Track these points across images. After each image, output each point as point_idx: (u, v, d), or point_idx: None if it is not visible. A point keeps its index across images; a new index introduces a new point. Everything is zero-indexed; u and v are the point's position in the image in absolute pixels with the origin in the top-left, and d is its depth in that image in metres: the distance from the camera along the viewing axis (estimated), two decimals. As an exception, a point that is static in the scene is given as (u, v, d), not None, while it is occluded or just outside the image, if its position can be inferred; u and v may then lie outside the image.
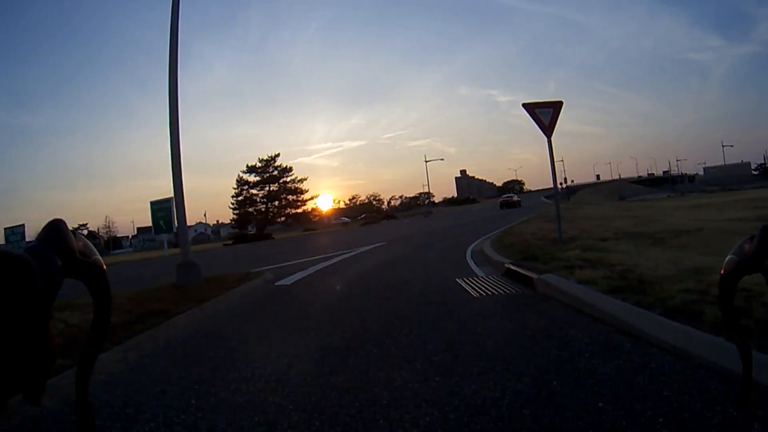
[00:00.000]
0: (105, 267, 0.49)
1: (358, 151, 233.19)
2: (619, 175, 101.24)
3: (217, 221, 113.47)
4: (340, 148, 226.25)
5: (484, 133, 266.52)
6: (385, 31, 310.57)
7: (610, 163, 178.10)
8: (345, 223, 72.69)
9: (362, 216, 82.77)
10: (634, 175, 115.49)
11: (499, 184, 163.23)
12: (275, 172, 57.26)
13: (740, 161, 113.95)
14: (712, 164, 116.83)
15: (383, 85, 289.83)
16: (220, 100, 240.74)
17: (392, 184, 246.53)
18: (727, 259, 0.57)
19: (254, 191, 58.17)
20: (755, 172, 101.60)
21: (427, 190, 63.19)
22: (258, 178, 57.70)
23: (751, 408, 1.20)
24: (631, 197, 54.24)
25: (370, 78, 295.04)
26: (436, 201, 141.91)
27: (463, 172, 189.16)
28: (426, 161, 57.66)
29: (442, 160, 68.62)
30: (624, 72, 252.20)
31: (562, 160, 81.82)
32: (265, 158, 57.31)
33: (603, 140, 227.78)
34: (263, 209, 57.52)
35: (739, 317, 0.65)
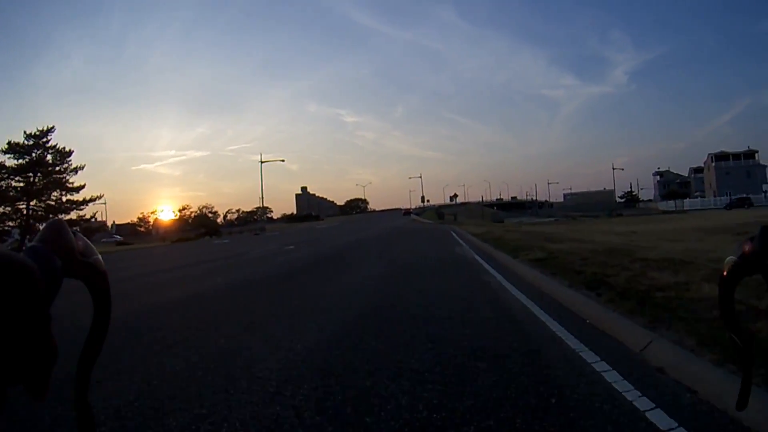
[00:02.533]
0: (105, 267, 0.48)
1: (201, 162, 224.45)
2: (482, 198, 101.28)
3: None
4: (183, 157, 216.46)
5: (328, 151, 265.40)
6: (241, 40, 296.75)
7: (464, 185, 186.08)
8: (118, 243, 56.29)
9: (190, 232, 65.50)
10: (485, 198, 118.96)
11: (340, 202, 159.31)
12: (47, 157, 39.66)
13: (603, 189, 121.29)
14: (568, 191, 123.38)
15: (233, 96, 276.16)
16: (71, 94, 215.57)
17: (232, 197, 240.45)
18: (727, 259, 0.56)
19: (14, 181, 39.48)
20: (620, 200, 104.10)
21: (262, 205, 51.77)
22: (21, 162, 39.29)
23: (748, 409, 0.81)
24: (510, 219, 49.89)
25: (220, 87, 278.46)
26: (274, 217, 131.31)
27: (303, 188, 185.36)
28: (261, 162, 46.81)
29: (283, 161, 57.40)
30: (474, 102, 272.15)
31: (420, 176, 79.00)
32: (34, 132, 39.44)
33: (448, 165, 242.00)
34: (23, 210, 39.19)
35: (740, 318, 0.57)
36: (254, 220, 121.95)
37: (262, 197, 47.65)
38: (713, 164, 74.27)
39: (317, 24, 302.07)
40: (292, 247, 19.68)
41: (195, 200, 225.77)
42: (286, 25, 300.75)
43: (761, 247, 0.52)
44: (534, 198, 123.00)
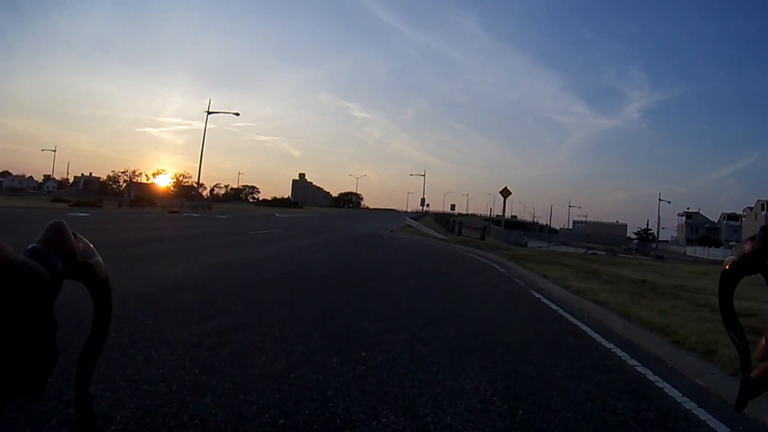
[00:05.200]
0: (106, 269, 0.47)
1: (205, 134, 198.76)
2: (490, 210, 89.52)
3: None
4: (188, 127, 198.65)
5: (332, 143, 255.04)
6: (262, 18, 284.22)
7: (467, 194, 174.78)
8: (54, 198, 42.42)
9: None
10: (487, 213, 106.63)
11: (335, 194, 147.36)
12: None
13: (616, 221, 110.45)
14: (583, 218, 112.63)
15: (246, 73, 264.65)
16: (87, 47, 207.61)
17: (230, 173, 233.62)
18: (727, 259, 0.55)
19: None
20: (634, 237, 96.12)
21: (199, 173, 38.02)
22: None
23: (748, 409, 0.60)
24: (518, 241, 38.42)
25: (234, 62, 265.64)
26: (260, 198, 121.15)
27: (302, 175, 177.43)
28: (208, 112, 33.11)
29: (237, 114, 41.93)
30: (483, 115, 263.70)
31: (424, 174, 65.47)
32: None
33: (449, 174, 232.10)
34: None
35: (738, 318, 0.54)
36: (239, 198, 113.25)
37: (201, 163, 32.21)
38: (764, 212, 61.32)
39: (339, 13, 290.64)
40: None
41: (194, 170, 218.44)
42: (307, 9, 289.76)
43: (761, 247, 0.51)
44: (534, 219, 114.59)
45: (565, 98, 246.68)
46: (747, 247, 0.53)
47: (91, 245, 0.47)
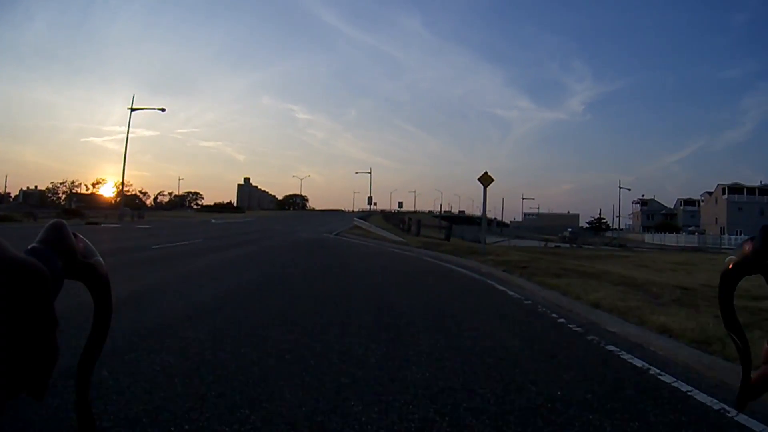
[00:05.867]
0: (106, 268, 0.47)
1: (149, 141, 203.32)
2: (440, 208, 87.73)
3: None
4: (133, 135, 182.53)
5: (277, 146, 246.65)
6: (204, 23, 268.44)
7: (414, 191, 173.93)
8: None
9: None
10: (434, 209, 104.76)
11: (281, 197, 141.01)
12: None
13: (567, 212, 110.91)
14: (534, 210, 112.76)
15: (188, 79, 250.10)
16: (29, 56, 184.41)
17: (176, 180, 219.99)
18: (727, 259, 0.54)
19: None
20: (587, 226, 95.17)
21: (123, 181, 31.94)
22: None
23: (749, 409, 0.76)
24: (475, 238, 35.37)
25: (178, 68, 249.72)
26: (204, 204, 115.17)
27: (246, 179, 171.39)
28: (131, 109, 27.68)
29: (163, 110, 33.88)
30: (427, 113, 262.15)
31: (370, 171, 61.73)
32: None
33: (396, 173, 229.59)
34: None
35: (738, 318, 0.55)
36: (182, 206, 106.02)
37: (124, 168, 26.41)
38: (725, 197, 62.22)
39: (280, 16, 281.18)
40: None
41: (139, 179, 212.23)
42: (249, 13, 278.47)
43: (761, 247, 0.50)
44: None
45: (508, 93, 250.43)
46: (747, 247, 0.52)
47: (91, 245, 0.47)
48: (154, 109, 30.24)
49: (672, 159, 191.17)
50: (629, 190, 76.00)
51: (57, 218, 0.46)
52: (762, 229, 0.51)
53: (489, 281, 7.39)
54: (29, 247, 0.40)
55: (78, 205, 57.04)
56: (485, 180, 11.38)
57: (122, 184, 31.48)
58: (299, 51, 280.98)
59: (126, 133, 28.16)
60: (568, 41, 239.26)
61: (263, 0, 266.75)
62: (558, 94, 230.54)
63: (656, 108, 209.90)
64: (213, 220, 32.20)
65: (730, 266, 0.53)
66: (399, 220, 29.41)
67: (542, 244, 50.76)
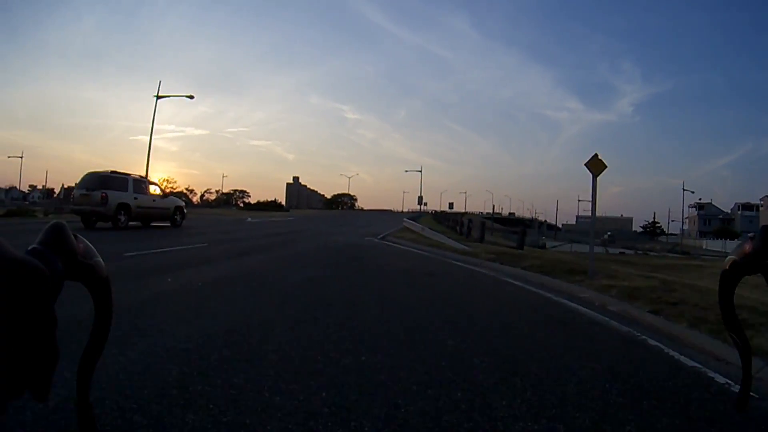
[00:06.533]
0: (106, 269, 0.48)
1: (199, 140, 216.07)
2: (493, 208, 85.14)
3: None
4: (182, 133, 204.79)
5: (326, 145, 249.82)
6: (252, 23, 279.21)
7: (465, 192, 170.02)
8: None
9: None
10: (484, 210, 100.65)
11: (329, 196, 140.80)
12: None
13: (621, 215, 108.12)
14: (586, 213, 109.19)
15: (237, 78, 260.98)
16: (78, 57, 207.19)
17: (227, 180, 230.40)
18: (727, 258, 0.55)
19: None
20: (640, 230, 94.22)
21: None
22: None
23: (749, 409, 0.85)
24: (535, 242, 32.17)
25: (226, 68, 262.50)
26: (251, 202, 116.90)
27: (296, 178, 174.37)
28: (157, 96, 26.23)
29: (192, 97, 31.00)
30: (476, 114, 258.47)
31: (421, 170, 58.56)
32: None
33: (444, 174, 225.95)
34: None
35: (738, 318, 0.56)
36: (228, 203, 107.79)
37: (149, 157, 24.34)
38: None
39: (329, 16, 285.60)
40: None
41: (190, 178, 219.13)
42: (297, 13, 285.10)
43: (761, 247, 0.51)
44: (534, 216, 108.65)
45: (557, 94, 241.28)
46: (747, 246, 0.52)
47: (92, 246, 0.47)
48: (182, 96, 28.55)
49: (721, 162, 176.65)
50: (693, 192, 69.01)
51: (58, 218, 0.42)
52: (762, 229, 0.51)
53: (670, 352, 3.79)
54: (30, 248, 0.40)
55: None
56: (596, 166, 7.71)
57: (146, 175, 29.93)
58: (346, 50, 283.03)
59: (151, 122, 26.55)
60: (618, 42, 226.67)
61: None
62: (607, 96, 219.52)
63: (706, 110, 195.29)
64: (249, 219, 29.92)
65: (730, 266, 0.53)
66: (454, 222, 25.83)
67: (603, 249, 45.64)
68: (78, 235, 0.46)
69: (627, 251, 48.50)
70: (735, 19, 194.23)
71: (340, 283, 6.23)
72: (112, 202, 13.66)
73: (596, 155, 7.70)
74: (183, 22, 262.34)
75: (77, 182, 14.88)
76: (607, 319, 5.02)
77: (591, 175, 7.70)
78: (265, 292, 5.32)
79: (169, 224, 16.42)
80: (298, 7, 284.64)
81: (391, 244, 14.31)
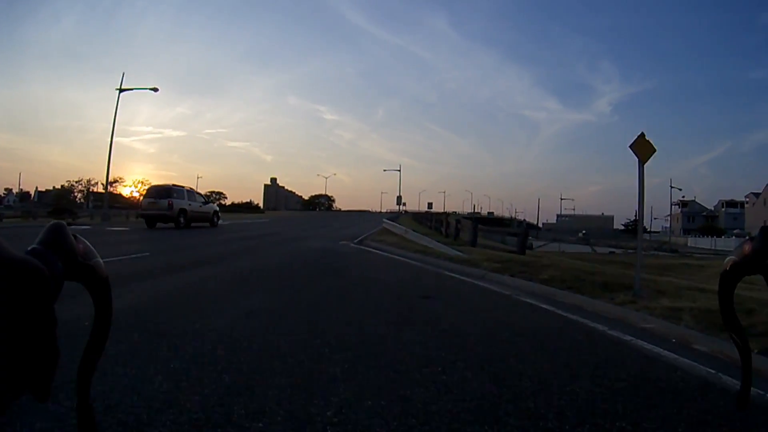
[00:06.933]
0: (106, 269, 0.47)
1: (176, 142, 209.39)
2: (474, 208, 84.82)
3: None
4: (160, 135, 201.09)
5: (304, 146, 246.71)
6: (231, 24, 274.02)
7: (444, 191, 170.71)
8: None
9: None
10: (462, 210, 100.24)
11: (307, 197, 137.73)
12: None
13: (601, 213, 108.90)
14: (569, 212, 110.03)
15: (216, 80, 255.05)
16: (57, 57, 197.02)
17: (202, 181, 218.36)
18: (726, 259, 0.54)
19: None
20: (622, 227, 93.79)
21: (108, 177, 27.28)
22: None
23: (750, 409, 0.86)
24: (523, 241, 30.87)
25: (205, 69, 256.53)
26: (228, 203, 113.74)
27: (273, 180, 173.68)
28: (120, 90, 23.56)
29: (156, 90, 27.50)
30: (454, 114, 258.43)
31: (400, 169, 57.11)
32: None
33: (423, 173, 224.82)
34: None
35: (738, 318, 0.56)
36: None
37: (109, 160, 21.77)
38: None
39: (308, 17, 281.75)
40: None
41: (166, 179, 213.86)
42: (276, 14, 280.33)
43: (761, 247, 0.50)
44: (513, 216, 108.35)
45: (536, 94, 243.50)
46: (747, 247, 0.51)
47: (92, 246, 0.46)
48: (146, 89, 26.08)
49: (701, 160, 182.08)
50: (680, 189, 69.38)
51: (55, 219, 0.46)
52: (762, 229, 0.50)
53: None
54: (29, 248, 0.40)
55: (95, 203, 53.80)
56: (642, 149, 5.80)
57: (107, 179, 27.18)
58: (326, 51, 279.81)
59: (113, 117, 23.99)
60: (595, 42, 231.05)
61: (290, 0, 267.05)
62: (585, 96, 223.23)
63: (683, 109, 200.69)
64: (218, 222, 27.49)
65: (730, 266, 0.52)
66: (437, 222, 23.84)
67: (592, 250, 44.65)
68: (78, 236, 0.45)
69: (616, 250, 47.81)
70: (712, 17, 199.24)
71: (296, 322, 4.12)
72: (176, 207, 17.68)
73: (642, 135, 5.79)
74: (163, 24, 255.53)
75: (144, 192, 20.26)
76: (713, 372, 3.12)
77: (637, 161, 5.79)
78: (157, 351, 3.16)
79: (208, 224, 20.00)
80: (278, 8, 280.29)
81: (371, 249, 12.22)
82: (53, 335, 0.37)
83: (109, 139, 24.97)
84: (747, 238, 0.53)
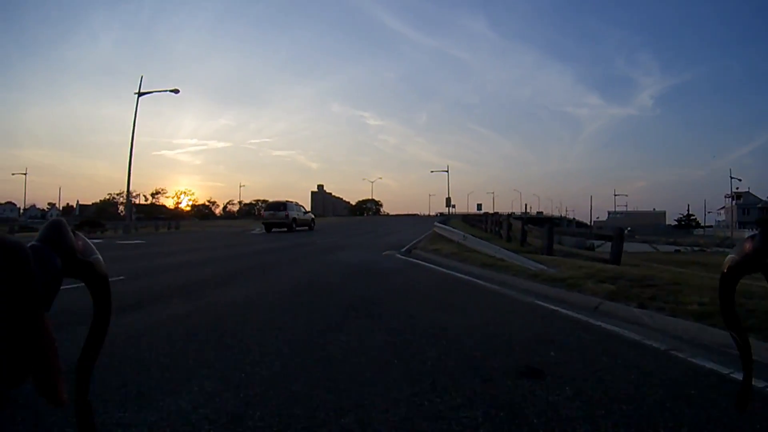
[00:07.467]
0: (105, 266, 0.47)
1: (221, 153, 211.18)
2: (522, 208, 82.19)
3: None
4: (204, 147, 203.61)
5: (349, 152, 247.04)
6: (270, 34, 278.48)
7: (493, 192, 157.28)
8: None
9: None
10: (511, 210, 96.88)
11: (353, 203, 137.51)
12: None
13: (653, 209, 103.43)
14: (622, 209, 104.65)
15: (257, 90, 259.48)
16: (97, 74, 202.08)
17: (249, 190, 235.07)
18: (727, 257, 0.53)
19: None
20: (675, 222, 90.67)
21: (129, 186, 26.37)
22: None
23: (750, 408, 0.64)
24: (582, 244, 27.83)
25: (246, 79, 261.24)
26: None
27: (320, 186, 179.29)
28: (138, 93, 22.84)
29: (177, 91, 25.86)
30: (497, 114, 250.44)
31: (447, 170, 54.83)
32: None
33: (468, 175, 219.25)
34: None
35: (739, 316, 0.54)
36: (251, 214, 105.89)
37: (129, 169, 20.85)
38: None
39: (346, 24, 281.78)
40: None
41: (215, 190, 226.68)
42: (314, 22, 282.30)
43: (762, 246, 0.50)
44: (564, 214, 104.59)
45: (577, 91, 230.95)
46: (747, 245, 0.51)
47: (91, 243, 0.45)
48: (166, 91, 25.49)
49: (744, 151, 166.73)
50: (740, 180, 63.23)
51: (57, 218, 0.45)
52: (762, 228, 0.50)
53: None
54: (29, 245, 0.39)
55: (138, 215, 54.93)
56: None
57: (128, 189, 26.70)
58: (365, 57, 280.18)
59: (133, 121, 23.23)
60: (633, 35, 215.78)
61: (327, 8, 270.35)
62: (626, 90, 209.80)
63: (725, 99, 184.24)
64: (257, 230, 26.30)
65: (731, 265, 0.52)
66: (493, 224, 20.96)
67: (653, 249, 40.05)
68: (77, 233, 0.44)
69: (681, 248, 42.94)
70: (752, 1, 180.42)
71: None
72: (290, 216, 23.72)
73: None
74: (200, 35, 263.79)
75: (265, 206, 26.45)
76: None
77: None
78: None
79: (307, 228, 25.64)
80: (316, 16, 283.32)
81: (421, 263, 9.77)
82: (42, 323, 0.35)
83: (129, 146, 24.54)
84: (748, 236, 0.52)
